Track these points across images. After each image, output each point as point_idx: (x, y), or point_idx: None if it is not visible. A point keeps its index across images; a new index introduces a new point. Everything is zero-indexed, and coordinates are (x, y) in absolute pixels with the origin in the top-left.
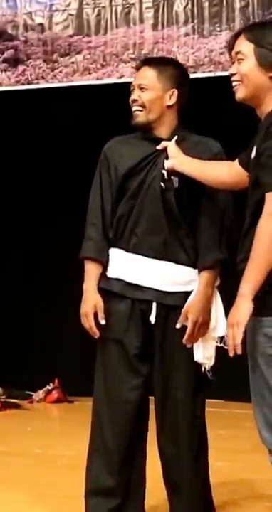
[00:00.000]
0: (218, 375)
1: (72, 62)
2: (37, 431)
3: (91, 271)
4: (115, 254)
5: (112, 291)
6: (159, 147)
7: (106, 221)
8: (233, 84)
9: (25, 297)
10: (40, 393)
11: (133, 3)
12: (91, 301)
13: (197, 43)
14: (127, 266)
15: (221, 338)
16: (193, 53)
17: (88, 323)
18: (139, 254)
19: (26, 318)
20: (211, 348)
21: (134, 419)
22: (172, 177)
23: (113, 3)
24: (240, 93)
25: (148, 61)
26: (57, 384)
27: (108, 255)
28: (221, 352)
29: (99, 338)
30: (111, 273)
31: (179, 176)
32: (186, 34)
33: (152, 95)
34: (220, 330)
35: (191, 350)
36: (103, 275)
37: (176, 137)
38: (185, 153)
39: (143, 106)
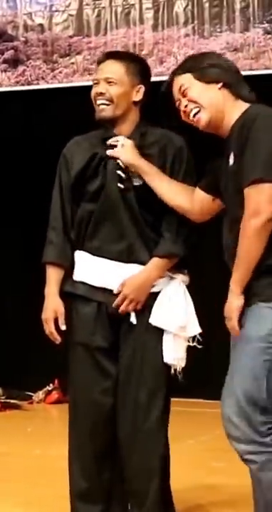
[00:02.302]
0: (217, 375)
1: (72, 63)
2: (37, 431)
3: (52, 275)
4: (80, 257)
5: (77, 294)
6: (109, 153)
7: (67, 223)
8: (192, 118)
9: (25, 298)
10: (40, 394)
11: (133, 4)
12: (51, 307)
13: (197, 44)
14: (93, 269)
15: (193, 338)
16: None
17: (48, 329)
18: (104, 257)
19: (26, 318)
20: (182, 349)
21: (109, 422)
22: (131, 175)
23: (113, 3)
24: (203, 119)
25: (114, 54)
26: (57, 385)
27: (71, 258)
28: (221, 352)
29: (69, 342)
30: (76, 276)
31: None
32: (187, 35)
33: (120, 90)
34: (191, 330)
35: (160, 352)
36: (69, 278)
37: (131, 141)
38: (148, 148)
39: (110, 100)
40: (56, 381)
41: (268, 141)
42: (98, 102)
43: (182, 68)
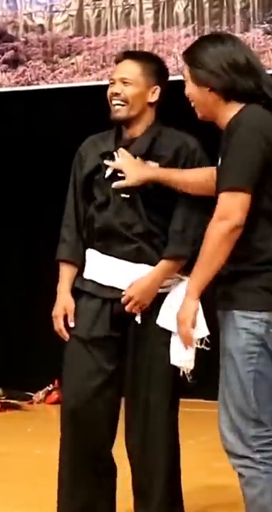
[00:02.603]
0: (217, 376)
1: (73, 63)
2: (37, 432)
3: (64, 273)
4: (90, 255)
5: (85, 290)
6: (115, 186)
7: (80, 222)
8: (192, 105)
9: (25, 298)
10: (40, 394)
11: (133, 4)
12: (61, 304)
13: None
14: (101, 267)
15: (202, 340)
16: None
17: (57, 325)
18: (112, 256)
19: (26, 319)
20: (190, 351)
21: (101, 422)
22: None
23: (113, 4)
24: (198, 113)
25: (131, 54)
26: (57, 385)
27: (83, 256)
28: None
29: (69, 337)
30: (86, 274)
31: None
32: (187, 35)
33: (135, 90)
34: (200, 332)
35: (167, 353)
36: (79, 275)
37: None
38: (160, 150)
39: (126, 101)
40: (56, 381)
41: (246, 150)
42: (113, 102)
43: (185, 56)
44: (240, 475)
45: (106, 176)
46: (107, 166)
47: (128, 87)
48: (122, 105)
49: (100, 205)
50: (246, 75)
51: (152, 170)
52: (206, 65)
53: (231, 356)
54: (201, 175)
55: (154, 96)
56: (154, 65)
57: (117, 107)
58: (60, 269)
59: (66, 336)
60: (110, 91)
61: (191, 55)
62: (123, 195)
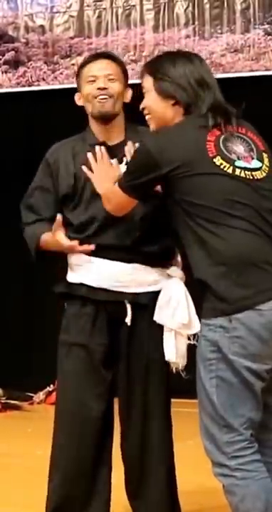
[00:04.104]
0: None
1: (73, 64)
2: (37, 432)
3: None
4: (77, 259)
5: (75, 294)
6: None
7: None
8: (146, 118)
9: (25, 298)
10: (41, 395)
11: (134, 5)
12: (47, 237)
13: (198, 45)
14: (93, 270)
15: (194, 336)
16: None
17: (65, 245)
18: (105, 258)
19: (26, 319)
20: (184, 346)
21: (98, 431)
22: None
23: (114, 5)
24: (151, 125)
25: (107, 55)
26: (57, 385)
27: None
28: None
29: (62, 343)
30: (73, 278)
31: None
32: (187, 36)
33: (120, 87)
34: (193, 327)
35: (162, 350)
36: (62, 280)
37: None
38: None
39: (112, 96)
40: (57, 382)
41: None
42: (101, 96)
43: (149, 68)
44: (221, 483)
45: None
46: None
47: (115, 83)
48: (107, 99)
49: (88, 203)
50: (208, 91)
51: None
52: (173, 78)
53: (197, 363)
54: None
55: (128, 96)
56: (124, 67)
57: (104, 100)
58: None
59: (76, 243)
60: (92, 87)
61: (157, 68)
62: None
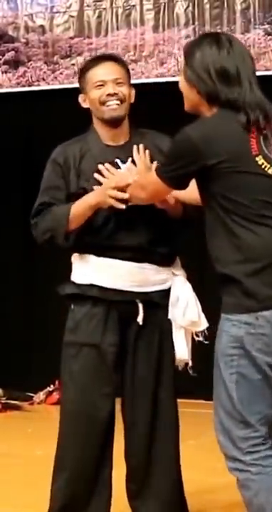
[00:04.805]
0: None
1: (73, 64)
2: (37, 432)
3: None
4: (86, 260)
5: (85, 295)
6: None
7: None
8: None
9: (25, 298)
10: (41, 395)
11: (134, 5)
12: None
13: None
14: (104, 271)
15: (201, 333)
16: None
17: (113, 192)
18: (116, 258)
19: (27, 319)
20: (190, 344)
21: (104, 431)
22: None
23: (114, 5)
24: (185, 106)
25: (112, 57)
26: (57, 385)
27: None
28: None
29: (68, 343)
30: (82, 279)
31: None
32: (187, 36)
33: (128, 90)
34: (202, 324)
35: (172, 349)
36: (68, 281)
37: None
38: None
39: (122, 100)
40: (57, 382)
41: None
42: (111, 102)
43: (184, 51)
44: (236, 478)
45: None
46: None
47: (123, 87)
48: (119, 104)
49: (102, 216)
50: (232, 85)
51: None
52: (195, 67)
53: (216, 358)
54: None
55: (132, 97)
56: (127, 67)
57: (115, 106)
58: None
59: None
60: (102, 92)
61: (187, 52)
62: (123, 207)
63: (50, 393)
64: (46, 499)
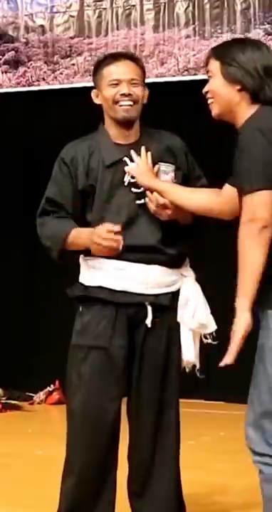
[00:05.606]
0: (219, 376)
1: (73, 64)
2: (37, 432)
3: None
4: (95, 262)
5: (93, 297)
6: (127, 169)
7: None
8: (208, 102)
9: (26, 298)
10: (41, 395)
11: (134, 5)
12: (91, 231)
13: (198, 45)
14: (113, 272)
15: (209, 335)
16: (194, 55)
17: (110, 239)
18: (123, 260)
19: (27, 319)
20: (197, 346)
21: (112, 433)
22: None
23: (114, 4)
24: (214, 110)
25: (128, 56)
26: (58, 385)
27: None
28: (222, 354)
29: (75, 345)
30: (90, 281)
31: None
32: (187, 36)
33: (141, 91)
34: (210, 326)
35: (179, 351)
36: (76, 283)
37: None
38: (155, 149)
39: (136, 101)
40: (57, 382)
41: (252, 149)
42: (124, 103)
43: (216, 53)
44: (260, 472)
45: (126, 183)
46: (113, 174)
47: (137, 87)
48: (132, 105)
49: (110, 207)
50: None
51: (158, 183)
52: (242, 64)
53: (262, 353)
54: (202, 197)
55: (146, 97)
56: (144, 67)
57: (127, 107)
58: (70, 235)
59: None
60: (116, 91)
61: (225, 52)
62: (138, 202)
63: (50, 393)
64: (46, 499)
